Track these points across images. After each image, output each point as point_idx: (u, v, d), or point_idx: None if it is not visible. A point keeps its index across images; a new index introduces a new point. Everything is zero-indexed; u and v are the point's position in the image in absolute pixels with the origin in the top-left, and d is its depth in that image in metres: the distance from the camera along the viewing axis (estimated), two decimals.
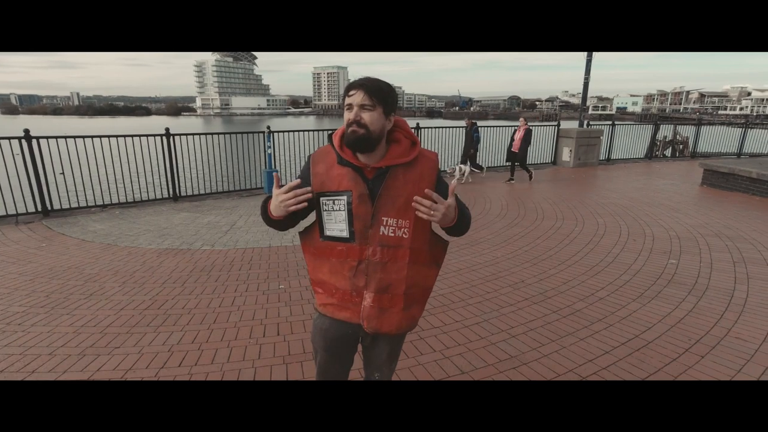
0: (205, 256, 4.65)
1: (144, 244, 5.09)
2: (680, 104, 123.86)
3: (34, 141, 6.07)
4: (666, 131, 15.22)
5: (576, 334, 3.05)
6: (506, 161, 10.00)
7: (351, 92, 1.36)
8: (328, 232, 1.44)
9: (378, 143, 1.39)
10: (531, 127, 9.46)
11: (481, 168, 10.38)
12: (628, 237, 5.31)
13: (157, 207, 6.96)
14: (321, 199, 1.42)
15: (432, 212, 1.33)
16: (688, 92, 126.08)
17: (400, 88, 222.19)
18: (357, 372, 1.74)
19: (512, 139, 9.50)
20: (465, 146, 10.31)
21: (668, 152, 15.47)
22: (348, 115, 1.36)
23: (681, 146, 15.54)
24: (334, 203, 1.40)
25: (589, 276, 4.11)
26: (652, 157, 13.30)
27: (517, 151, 9.25)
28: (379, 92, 1.36)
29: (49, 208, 6.32)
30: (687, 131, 15.24)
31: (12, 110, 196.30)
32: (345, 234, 1.41)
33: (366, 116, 1.34)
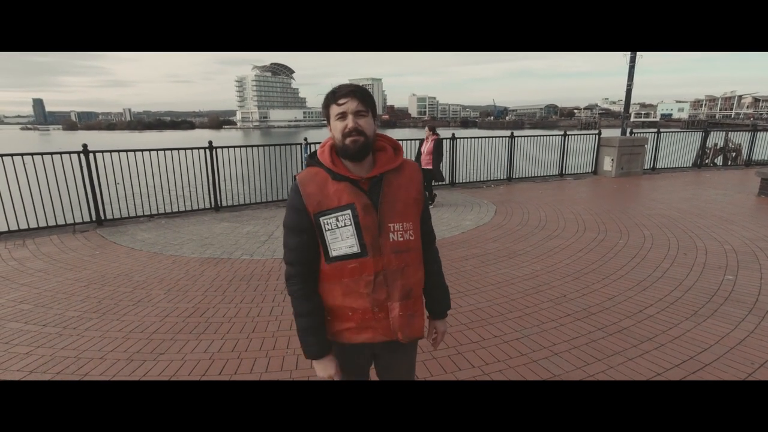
0: (244, 266, 4.77)
1: (187, 252, 5.29)
2: (731, 110, 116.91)
3: (90, 155, 6.50)
4: (716, 138, 14.39)
5: (624, 354, 2.89)
6: None
7: (342, 100, 1.31)
8: (335, 252, 1.37)
9: (372, 149, 1.38)
10: (441, 138, 7.79)
11: None
12: (678, 250, 5.02)
13: (200, 217, 7.23)
14: (321, 219, 1.35)
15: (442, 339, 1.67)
16: (740, 96, 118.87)
17: (434, 98, 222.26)
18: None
19: (419, 153, 7.72)
20: None
21: (719, 161, 14.61)
22: (342, 124, 1.32)
23: (733, 154, 14.65)
24: (337, 220, 1.34)
25: (637, 291, 3.90)
26: (702, 166, 12.59)
27: (431, 167, 7.53)
28: (369, 97, 1.36)
29: (103, 217, 6.71)
30: (740, 138, 14.34)
31: (72, 126, 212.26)
32: (356, 249, 1.35)
33: (363, 123, 1.33)
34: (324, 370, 1.46)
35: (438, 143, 7.67)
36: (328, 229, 1.36)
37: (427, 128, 7.90)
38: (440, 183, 8.11)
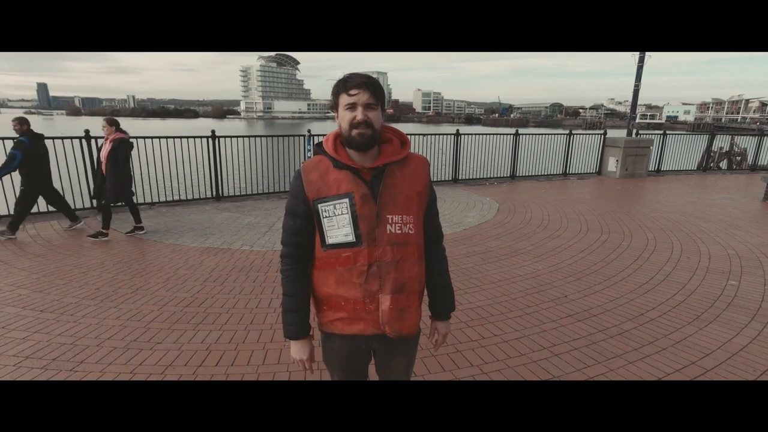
0: (244, 257, 4.75)
1: (188, 242, 5.26)
2: (738, 113, 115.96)
3: (92, 140, 6.46)
4: (722, 142, 14.29)
5: (624, 357, 2.86)
6: (92, 197, 6.20)
7: (353, 91, 1.30)
8: (331, 240, 1.38)
9: (378, 141, 1.38)
10: (130, 139, 5.44)
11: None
12: (681, 254, 4.98)
13: (201, 206, 7.21)
14: (319, 205, 1.36)
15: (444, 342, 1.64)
16: (747, 101, 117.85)
17: (439, 93, 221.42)
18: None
19: (99, 162, 5.41)
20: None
21: (723, 164, 14.52)
22: (351, 115, 1.31)
23: (739, 158, 14.55)
24: (335, 208, 1.35)
25: (638, 294, 3.87)
26: (707, 169, 12.50)
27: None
28: (380, 90, 1.35)
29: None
30: (746, 142, 14.24)
31: (75, 112, 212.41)
32: (351, 238, 1.35)
33: (372, 115, 1.32)
34: (298, 352, 1.50)
35: (121, 145, 5.21)
36: (326, 216, 1.37)
37: (103, 120, 5.42)
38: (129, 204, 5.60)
